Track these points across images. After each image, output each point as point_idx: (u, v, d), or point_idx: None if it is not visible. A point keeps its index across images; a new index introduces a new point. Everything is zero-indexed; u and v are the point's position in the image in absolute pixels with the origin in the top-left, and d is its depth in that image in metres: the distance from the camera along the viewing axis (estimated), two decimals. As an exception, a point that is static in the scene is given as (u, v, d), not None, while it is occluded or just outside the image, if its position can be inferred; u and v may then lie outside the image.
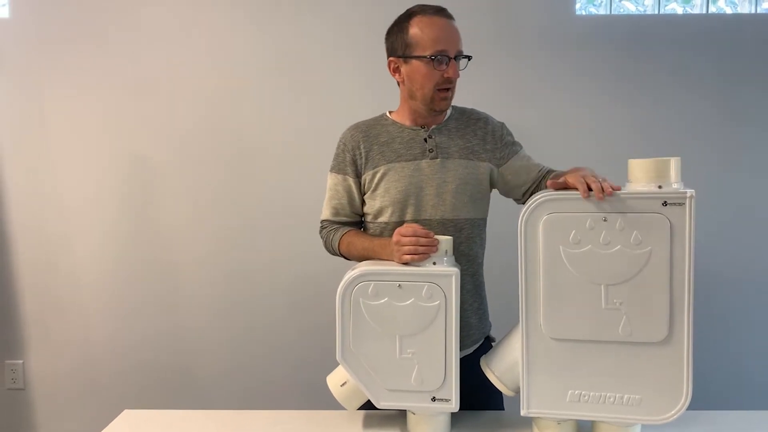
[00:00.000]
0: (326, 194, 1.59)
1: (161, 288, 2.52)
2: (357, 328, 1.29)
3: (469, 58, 1.47)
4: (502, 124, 1.58)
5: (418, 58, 1.43)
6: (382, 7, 2.35)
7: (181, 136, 2.46)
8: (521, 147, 1.57)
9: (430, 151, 1.49)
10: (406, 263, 1.30)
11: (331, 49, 2.41)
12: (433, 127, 1.52)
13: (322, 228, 1.61)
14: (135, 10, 2.43)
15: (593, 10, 2.49)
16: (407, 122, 1.53)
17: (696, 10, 2.46)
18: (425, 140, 1.50)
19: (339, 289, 1.29)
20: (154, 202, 2.49)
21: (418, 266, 1.29)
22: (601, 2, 2.48)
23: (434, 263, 1.28)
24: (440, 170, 1.48)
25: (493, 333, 1.62)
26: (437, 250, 1.29)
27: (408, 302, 1.26)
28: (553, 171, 1.54)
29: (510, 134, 1.58)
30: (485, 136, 1.53)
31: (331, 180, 1.58)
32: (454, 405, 1.28)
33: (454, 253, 1.37)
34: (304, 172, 2.45)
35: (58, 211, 2.51)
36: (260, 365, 2.53)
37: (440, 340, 1.26)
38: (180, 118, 2.46)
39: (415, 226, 1.31)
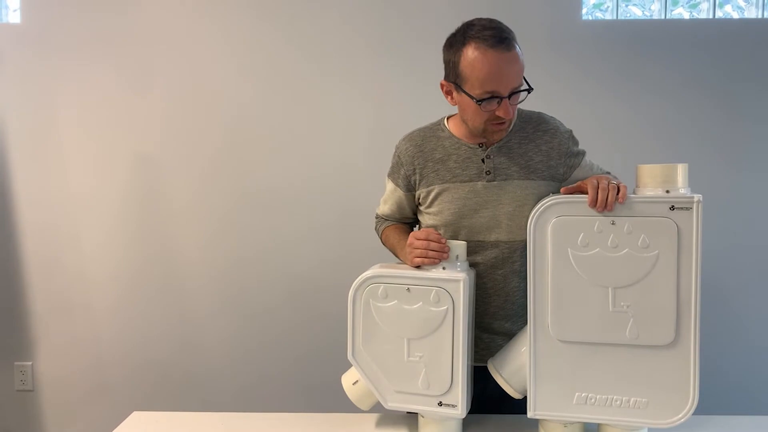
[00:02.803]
0: (385, 194, 1.59)
1: (169, 288, 2.54)
2: (367, 329, 1.30)
3: (529, 90, 1.33)
4: (570, 132, 1.46)
5: (467, 94, 1.32)
6: (381, 9, 2.40)
7: (187, 137, 2.49)
8: (584, 154, 1.48)
9: (488, 173, 1.40)
10: (417, 267, 1.32)
11: (330, 49, 2.44)
12: (493, 146, 1.41)
13: (376, 217, 1.66)
14: (142, 15, 2.46)
15: (600, 15, 2.50)
16: (464, 137, 1.43)
17: (702, 15, 2.47)
18: (483, 161, 1.41)
19: (351, 290, 1.31)
20: (161, 203, 2.51)
21: (428, 270, 1.30)
22: (608, 7, 2.49)
23: (443, 268, 1.29)
24: (497, 193, 1.40)
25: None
26: (448, 257, 1.29)
27: (416, 306, 1.27)
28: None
29: (576, 143, 1.47)
30: (550, 152, 1.42)
31: (388, 184, 1.56)
32: (461, 411, 1.27)
33: (506, 273, 1.41)
34: (308, 171, 2.47)
35: (66, 214, 2.53)
36: (270, 364, 2.54)
37: (447, 345, 1.26)
38: (184, 118, 2.48)
39: (430, 231, 1.31)
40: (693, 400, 1.18)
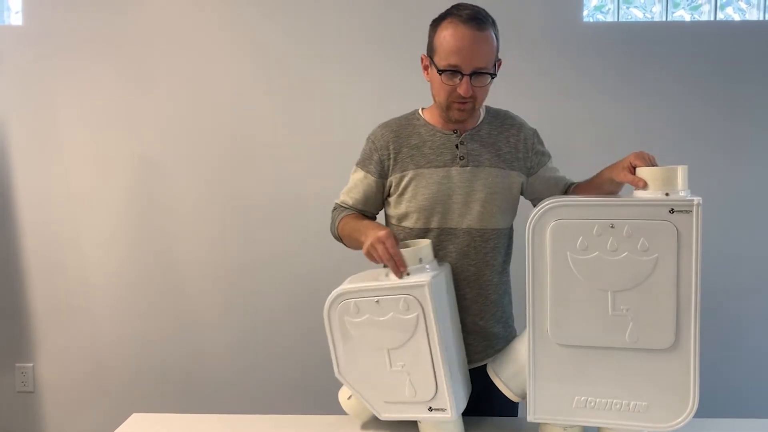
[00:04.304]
0: (349, 183, 1.57)
1: (170, 290, 2.54)
2: (348, 344, 1.30)
3: (492, 76, 1.39)
4: (535, 131, 1.54)
5: (435, 65, 1.39)
6: (382, 7, 2.40)
7: (188, 138, 2.49)
8: (550, 158, 1.55)
9: (461, 158, 1.45)
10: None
11: (334, 49, 2.44)
12: (466, 133, 1.47)
13: (334, 209, 1.61)
14: (143, 16, 2.46)
15: (601, 17, 2.50)
16: (439, 124, 1.48)
17: (704, 17, 2.46)
18: (457, 146, 1.46)
19: (324, 311, 1.30)
20: (162, 204, 2.51)
21: (392, 278, 1.28)
22: (609, 9, 2.49)
23: (408, 273, 1.27)
24: (470, 178, 1.44)
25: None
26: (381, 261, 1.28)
27: (388, 317, 1.26)
28: (573, 183, 1.54)
29: (541, 143, 1.54)
30: (517, 144, 1.49)
31: (355, 174, 1.55)
32: (450, 413, 1.27)
33: (479, 264, 1.43)
34: (310, 173, 2.47)
35: (67, 215, 2.53)
36: (270, 367, 2.54)
37: (425, 350, 1.25)
38: (186, 120, 2.49)
39: (394, 250, 1.27)
40: (693, 404, 1.18)
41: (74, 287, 2.56)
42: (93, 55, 2.48)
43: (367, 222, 1.47)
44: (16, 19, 2.57)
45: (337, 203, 1.61)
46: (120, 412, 1.71)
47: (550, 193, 1.52)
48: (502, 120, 1.52)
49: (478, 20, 1.34)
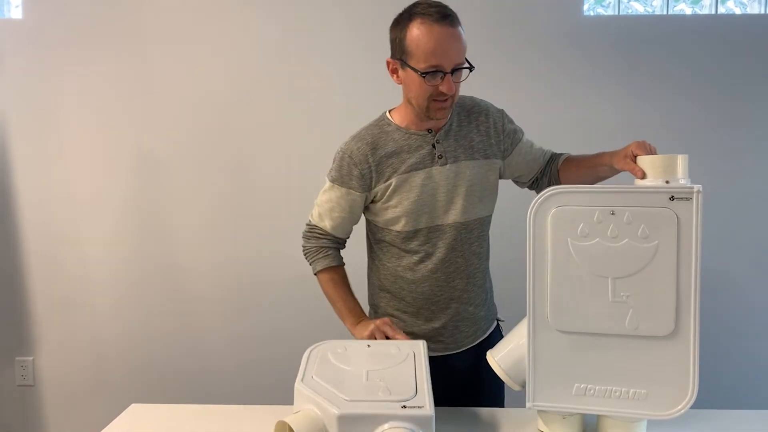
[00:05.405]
0: (324, 203, 1.53)
1: (170, 285, 2.54)
2: (322, 368, 1.25)
3: (471, 68, 1.38)
4: (502, 111, 1.55)
5: (413, 68, 1.36)
6: (385, 6, 2.39)
7: (189, 135, 2.49)
8: (523, 133, 1.56)
9: (440, 157, 1.46)
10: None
11: (333, 44, 2.44)
12: (440, 131, 1.47)
13: (312, 233, 1.58)
14: (144, 11, 2.46)
15: (601, 11, 2.50)
16: (411, 126, 1.47)
17: (705, 11, 2.46)
18: (433, 146, 1.46)
19: (306, 352, 1.33)
20: (162, 201, 2.51)
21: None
22: (609, 3, 2.49)
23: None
24: (450, 176, 1.46)
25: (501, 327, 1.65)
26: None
27: (378, 354, 1.30)
28: (556, 154, 1.57)
29: (511, 121, 1.55)
30: (488, 131, 1.51)
31: (334, 192, 1.50)
32: (428, 409, 1.09)
33: (466, 254, 1.45)
34: (313, 171, 2.45)
35: (67, 210, 2.53)
36: (269, 362, 2.53)
37: (409, 371, 1.22)
38: (188, 117, 2.48)
39: (400, 331, 1.42)
40: (692, 392, 1.17)
41: (74, 282, 2.56)
42: (93, 49, 2.48)
43: (347, 309, 1.54)
44: (16, 12, 2.57)
45: (316, 226, 1.57)
46: (119, 406, 1.71)
47: (530, 169, 1.56)
48: (468, 110, 1.52)
49: (450, 17, 1.34)
